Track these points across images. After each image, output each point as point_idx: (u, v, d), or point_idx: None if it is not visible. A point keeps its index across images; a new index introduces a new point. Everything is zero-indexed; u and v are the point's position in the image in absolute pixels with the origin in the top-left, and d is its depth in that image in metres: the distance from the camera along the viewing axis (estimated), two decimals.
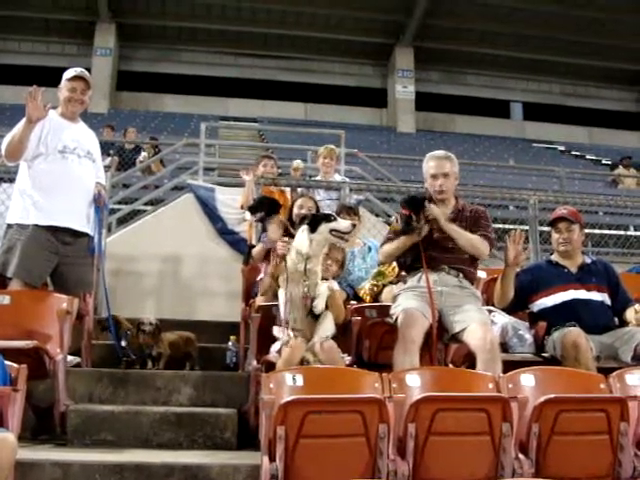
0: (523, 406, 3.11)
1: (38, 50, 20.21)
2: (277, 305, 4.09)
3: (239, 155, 12.02)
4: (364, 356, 4.35)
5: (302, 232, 4.03)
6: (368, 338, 4.38)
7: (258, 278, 5.16)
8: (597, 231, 8.56)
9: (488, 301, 4.65)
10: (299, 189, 6.71)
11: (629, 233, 9.30)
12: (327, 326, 3.93)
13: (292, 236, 4.24)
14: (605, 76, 22.17)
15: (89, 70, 5.05)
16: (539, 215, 6.52)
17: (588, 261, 4.65)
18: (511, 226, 6.57)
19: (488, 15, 19.64)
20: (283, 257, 3.96)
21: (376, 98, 21.87)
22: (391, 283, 5.02)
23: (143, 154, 10.49)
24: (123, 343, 4.97)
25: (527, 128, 22.35)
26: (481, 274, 4.87)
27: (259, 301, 4.65)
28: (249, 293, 5.28)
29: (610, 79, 22.42)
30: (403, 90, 21.17)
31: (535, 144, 19.98)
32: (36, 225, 4.46)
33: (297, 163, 7.89)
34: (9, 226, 4.57)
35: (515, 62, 21.46)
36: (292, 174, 7.74)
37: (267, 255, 5.10)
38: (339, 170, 7.95)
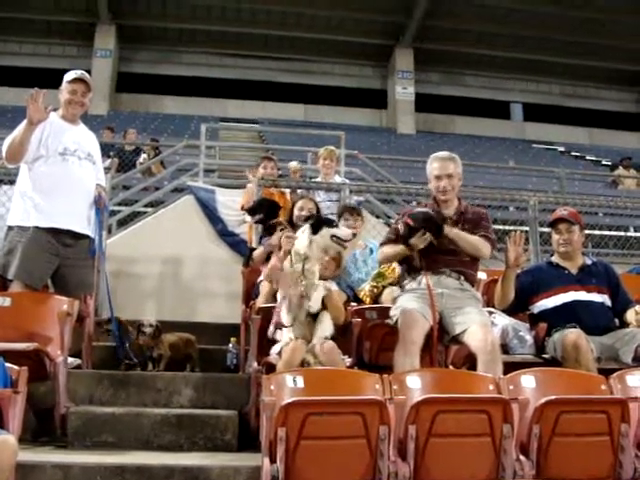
0: (524, 407, 3.11)
1: (38, 52, 20.23)
2: (276, 307, 4.10)
3: (239, 156, 12.03)
4: (365, 358, 4.35)
5: (303, 232, 4.05)
6: (368, 340, 4.39)
7: (258, 280, 5.16)
8: (597, 232, 8.55)
9: (488, 302, 4.65)
10: (299, 190, 6.71)
11: (629, 234, 9.29)
12: (326, 326, 3.94)
13: None
14: (605, 77, 22.19)
15: (89, 72, 5.07)
16: (539, 216, 6.52)
17: (588, 262, 4.66)
18: (511, 227, 6.57)
19: (487, 16, 19.66)
20: (288, 253, 3.98)
21: (376, 99, 21.88)
22: (391, 284, 5.02)
23: (143, 156, 10.49)
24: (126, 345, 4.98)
25: (527, 129, 22.37)
26: (481, 275, 4.87)
27: (259, 303, 4.66)
28: (249, 295, 5.28)
29: (610, 80, 22.43)
30: (403, 91, 21.19)
31: (535, 145, 19.99)
32: (37, 227, 4.47)
33: (294, 166, 7.88)
34: (10, 228, 4.58)
35: (515, 63, 21.48)
36: (291, 176, 7.74)
37: (268, 258, 5.11)
38: (339, 171, 7.95)
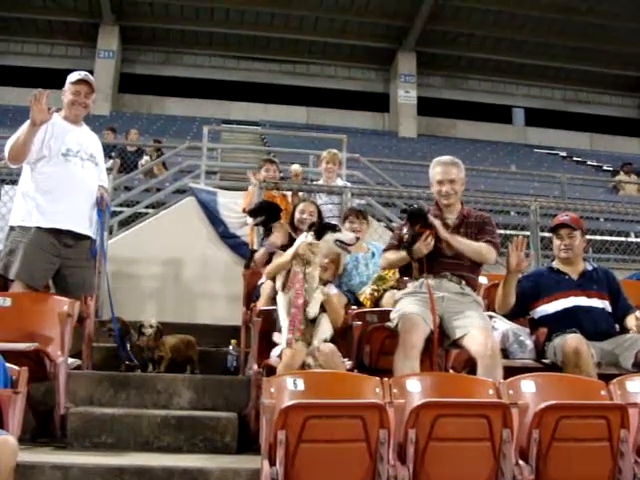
0: (523, 412, 3.11)
1: (41, 52, 20.28)
2: (277, 309, 4.10)
3: (241, 159, 12.03)
4: (365, 361, 4.35)
5: (305, 237, 4.05)
6: (369, 343, 4.38)
7: (259, 282, 5.16)
8: (598, 237, 8.55)
9: (489, 307, 4.64)
10: (301, 193, 6.71)
11: (630, 239, 9.29)
12: (324, 328, 3.95)
13: (294, 241, 4.26)
14: (607, 82, 22.21)
15: (92, 72, 5.08)
16: (540, 221, 6.52)
17: (589, 268, 4.66)
18: (512, 232, 6.57)
19: (490, 21, 19.70)
20: (307, 262, 3.97)
21: (378, 103, 21.89)
22: (392, 288, 5.02)
23: (145, 158, 10.50)
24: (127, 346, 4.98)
25: (529, 134, 22.37)
26: (482, 280, 4.87)
27: (260, 305, 4.66)
28: (250, 297, 5.28)
29: (612, 85, 22.46)
30: (405, 95, 21.19)
31: (537, 150, 20.00)
32: (38, 228, 4.47)
33: (296, 169, 7.89)
34: (11, 228, 4.58)
35: (517, 68, 21.52)
36: (293, 179, 7.74)
37: (269, 260, 5.11)
38: (341, 175, 7.95)
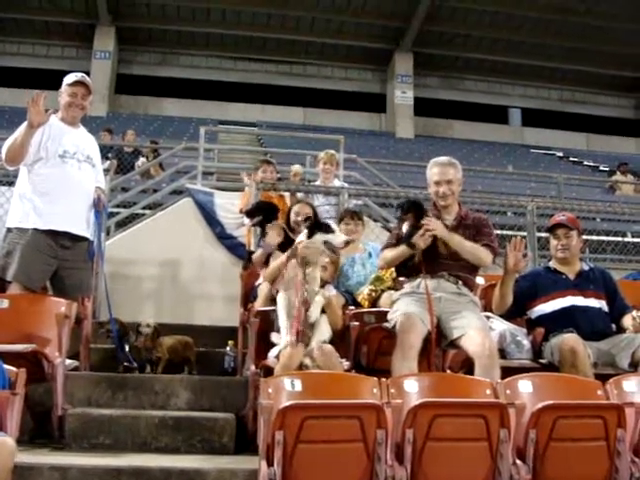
0: (521, 412, 3.12)
1: (37, 53, 20.23)
2: (275, 310, 4.10)
3: (238, 159, 12.02)
4: (362, 361, 4.36)
5: (301, 237, 4.06)
6: (366, 343, 4.39)
7: (257, 283, 5.17)
8: (595, 237, 8.56)
9: (486, 307, 4.65)
10: (298, 194, 6.72)
11: (626, 239, 9.30)
12: (323, 330, 3.95)
13: (291, 241, 4.26)
14: (603, 83, 22.23)
15: (88, 73, 5.08)
16: (537, 221, 6.54)
17: (586, 268, 4.67)
18: (509, 232, 6.57)
19: (487, 21, 19.71)
20: (306, 262, 3.97)
21: (375, 103, 21.89)
22: (389, 288, 5.03)
23: (142, 159, 10.49)
24: (126, 348, 4.98)
25: (525, 134, 22.38)
26: (479, 280, 4.88)
27: (257, 306, 4.66)
28: (247, 297, 5.28)
29: (608, 86, 22.48)
30: (402, 95, 21.19)
31: (533, 150, 20.00)
32: (35, 229, 4.48)
33: (296, 168, 7.90)
34: (9, 230, 4.58)
35: (514, 68, 21.53)
36: (291, 179, 7.75)
37: (267, 260, 5.11)
38: (338, 175, 7.96)
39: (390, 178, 10.19)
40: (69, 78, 4.75)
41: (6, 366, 3.19)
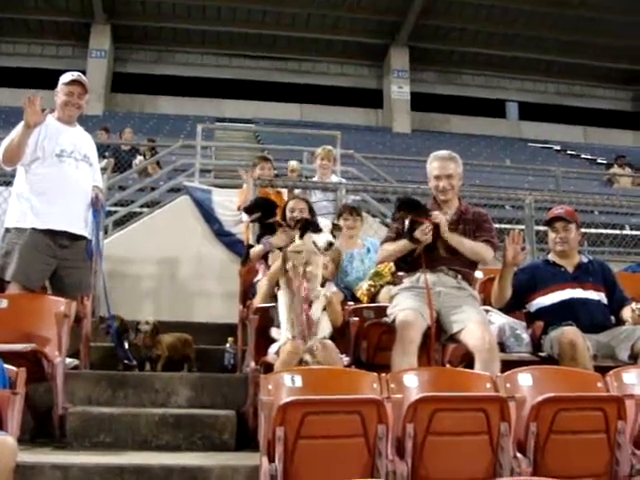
0: (521, 405, 3.12)
1: (33, 52, 20.22)
2: (274, 307, 4.10)
3: (235, 156, 12.02)
4: (362, 357, 4.36)
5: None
6: (366, 339, 4.39)
7: (255, 279, 5.16)
8: (593, 230, 8.57)
9: (485, 301, 4.65)
10: (296, 190, 6.71)
11: (625, 232, 9.30)
12: (323, 327, 3.95)
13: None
14: (600, 75, 22.24)
15: (84, 72, 5.07)
16: (535, 215, 6.53)
17: (585, 260, 4.67)
18: (507, 226, 6.58)
19: (483, 15, 19.72)
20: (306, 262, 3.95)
21: (371, 98, 21.89)
22: (388, 283, 5.03)
23: (139, 157, 10.48)
24: (126, 345, 4.98)
25: (523, 128, 22.40)
26: (478, 274, 4.87)
27: (256, 302, 4.66)
28: (246, 294, 5.27)
29: (605, 78, 22.50)
30: (398, 90, 21.19)
31: (531, 144, 20.02)
32: (34, 229, 4.48)
33: (293, 165, 7.89)
34: (7, 230, 4.59)
35: (510, 62, 21.53)
36: (289, 175, 7.74)
37: (265, 256, 5.11)
38: (335, 171, 7.96)
39: (387, 173, 10.18)
40: (65, 77, 4.75)
41: (6, 365, 3.19)
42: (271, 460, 2.90)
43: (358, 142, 13.95)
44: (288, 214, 5.36)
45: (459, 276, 4.21)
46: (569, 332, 4.09)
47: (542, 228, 5.54)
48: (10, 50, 20.13)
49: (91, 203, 4.77)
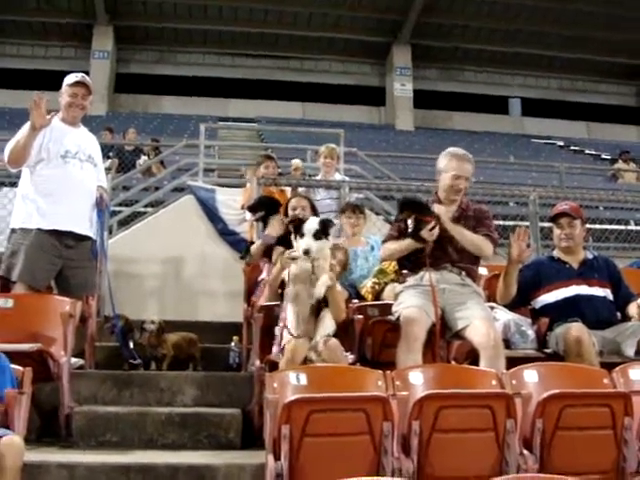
0: (527, 402, 3.12)
1: (36, 54, 20.24)
2: (279, 305, 4.10)
3: (239, 155, 12.03)
4: (367, 354, 4.36)
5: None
6: (370, 336, 4.39)
7: (259, 278, 5.17)
8: (597, 226, 8.54)
9: (490, 298, 4.65)
10: (299, 188, 6.71)
11: (630, 228, 9.27)
12: (327, 324, 3.93)
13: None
14: (603, 70, 22.16)
15: (87, 73, 5.09)
16: (539, 211, 6.52)
17: (590, 257, 4.66)
18: (512, 222, 6.57)
19: (485, 11, 19.67)
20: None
21: (374, 96, 21.85)
22: (392, 281, 5.02)
23: (144, 158, 10.50)
24: (131, 344, 4.99)
25: (526, 124, 22.32)
26: (482, 271, 4.87)
27: (261, 301, 4.66)
28: (251, 293, 5.28)
29: (608, 73, 22.41)
30: (401, 88, 21.16)
31: (534, 140, 19.97)
32: (39, 229, 4.50)
33: (297, 163, 7.89)
34: (13, 231, 4.61)
35: (513, 58, 21.46)
36: (292, 174, 7.74)
37: (266, 253, 5.11)
38: (339, 169, 7.95)
39: (391, 171, 10.19)
40: (69, 78, 4.76)
41: (12, 365, 3.20)
42: (277, 458, 2.90)
43: (361, 140, 13.94)
44: (290, 212, 5.36)
45: (463, 273, 4.21)
46: (575, 328, 4.08)
47: (547, 224, 5.52)
48: (14, 52, 20.17)
49: (96, 203, 4.78)
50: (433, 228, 4.08)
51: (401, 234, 4.28)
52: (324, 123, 17.51)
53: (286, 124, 16.62)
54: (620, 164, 14.30)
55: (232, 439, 4.00)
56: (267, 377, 3.35)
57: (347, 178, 7.72)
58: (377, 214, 7.83)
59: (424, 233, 4.09)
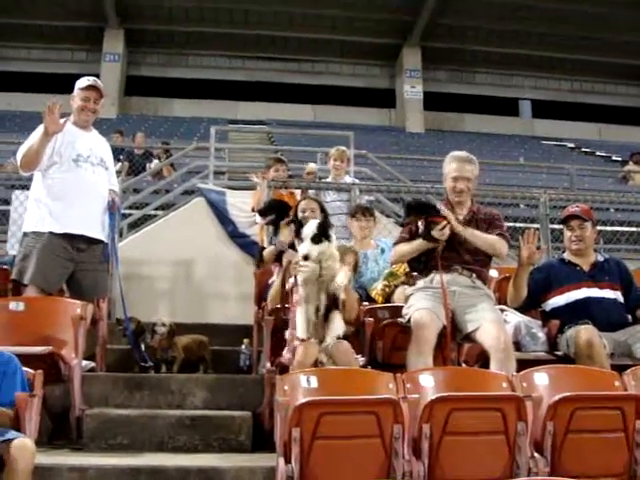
0: (538, 405, 3.11)
1: (48, 57, 20.39)
2: (288, 308, 4.09)
3: (249, 158, 12.04)
4: (378, 357, 4.37)
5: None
6: (381, 339, 4.40)
7: (270, 281, 5.17)
8: (608, 228, 8.50)
9: (500, 300, 4.64)
10: (310, 191, 6.71)
11: None
12: (337, 325, 3.92)
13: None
14: (614, 72, 22.07)
15: (98, 76, 5.11)
16: (550, 213, 6.50)
17: (601, 259, 4.64)
18: (522, 225, 6.55)
19: (495, 13, 19.62)
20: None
21: (384, 98, 21.87)
22: (403, 284, 5.02)
23: (155, 161, 10.53)
24: (142, 347, 5.00)
25: (536, 126, 22.28)
26: (493, 273, 4.86)
27: (271, 304, 4.66)
28: (261, 296, 5.28)
29: (619, 75, 22.32)
30: (411, 90, 21.16)
31: (544, 141, 19.91)
32: (51, 233, 4.52)
33: (311, 167, 7.89)
34: (25, 234, 4.64)
35: (523, 60, 21.43)
36: (304, 177, 7.74)
37: (277, 257, 5.11)
38: (349, 171, 7.95)
39: (401, 173, 10.17)
40: (81, 82, 4.79)
41: (24, 368, 3.21)
42: (287, 461, 2.91)
43: (371, 142, 13.93)
44: (300, 214, 5.36)
45: (473, 275, 4.20)
46: (585, 331, 4.07)
47: (557, 227, 5.50)
48: (25, 55, 20.33)
49: (107, 206, 4.81)
50: (444, 227, 4.09)
51: (412, 236, 4.29)
52: (334, 125, 17.51)
53: (296, 126, 16.64)
54: (631, 166, 14.20)
55: (242, 442, 4.00)
56: (277, 380, 3.35)
57: (357, 180, 7.71)
58: (387, 216, 7.81)
59: (435, 233, 4.11)
